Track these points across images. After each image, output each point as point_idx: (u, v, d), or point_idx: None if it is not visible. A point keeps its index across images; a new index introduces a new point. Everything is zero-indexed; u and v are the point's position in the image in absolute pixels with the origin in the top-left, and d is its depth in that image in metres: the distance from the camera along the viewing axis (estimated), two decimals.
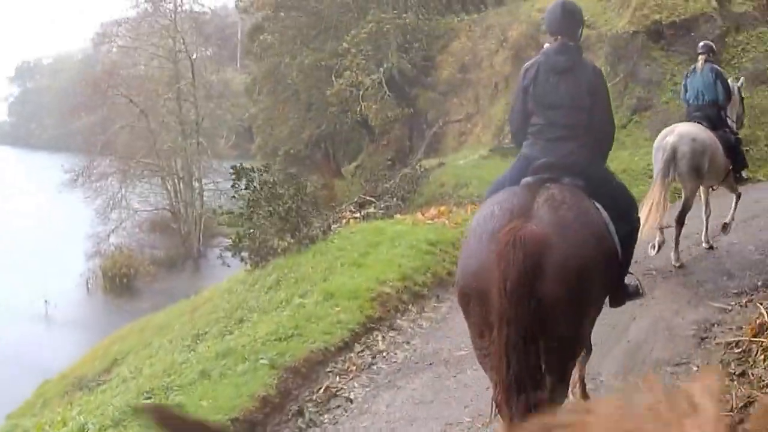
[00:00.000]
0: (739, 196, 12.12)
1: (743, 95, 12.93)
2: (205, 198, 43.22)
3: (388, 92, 30.27)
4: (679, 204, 11.48)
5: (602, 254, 4.98)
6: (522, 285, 4.36)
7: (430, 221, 14.30)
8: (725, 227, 12.07)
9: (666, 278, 11.01)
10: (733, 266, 11.10)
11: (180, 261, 42.02)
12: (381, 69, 30.18)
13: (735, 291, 10.05)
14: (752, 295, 9.79)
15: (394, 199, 17.59)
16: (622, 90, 21.80)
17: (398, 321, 10.53)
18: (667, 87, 21.22)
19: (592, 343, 6.23)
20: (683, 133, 10.86)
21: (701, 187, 11.72)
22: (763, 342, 7.76)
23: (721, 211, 12.24)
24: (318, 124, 34.08)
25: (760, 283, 10.19)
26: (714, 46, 12.65)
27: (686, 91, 11.97)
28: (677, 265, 11.18)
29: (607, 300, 5.75)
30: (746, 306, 9.44)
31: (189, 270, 41.23)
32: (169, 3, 43.93)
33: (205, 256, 40.44)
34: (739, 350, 8.05)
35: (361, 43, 30.05)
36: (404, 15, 30.74)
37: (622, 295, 6.04)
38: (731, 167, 11.60)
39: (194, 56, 44.64)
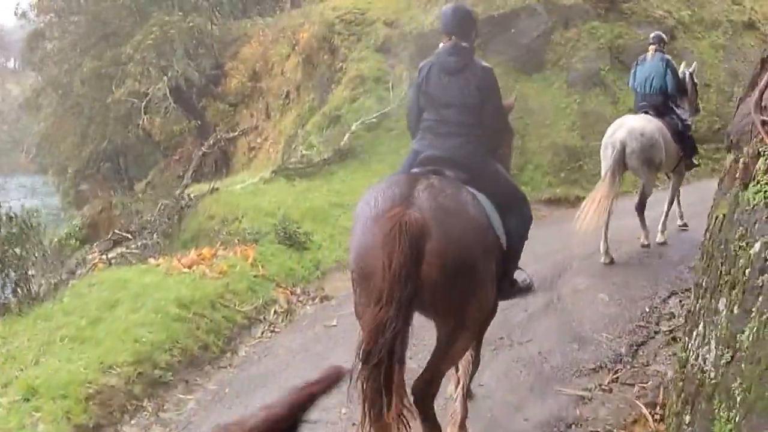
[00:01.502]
0: (678, 193, 12.55)
1: (695, 80, 13.28)
2: None
3: (173, 103, 27.37)
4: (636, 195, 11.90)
5: (481, 244, 5.25)
6: (405, 267, 4.57)
7: (186, 269, 11.10)
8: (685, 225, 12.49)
9: (497, 350, 8.39)
10: (584, 326, 8.91)
11: None
12: (166, 78, 27.07)
13: (591, 366, 7.88)
14: (616, 371, 7.75)
15: (154, 235, 14.07)
16: None
17: (124, 429, 7.62)
18: None
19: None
20: (631, 128, 11.17)
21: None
22: None
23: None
24: (102, 138, 30.98)
25: (623, 350, 8.16)
26: (665, 37, 13.25)
27: (634, 79, 12.43)
28: (646, 243, 11.62)
29: None
30: (610, 391, 7.36)
31: None
32: None
33: None
34: None
35: (145, 49, 26.90)
36: (191, 18, 27.66)
37: (509, 288, 6.18)
38: (682, 154, 12.02)
39: None
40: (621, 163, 11.02)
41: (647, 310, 9.13)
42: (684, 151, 12.03)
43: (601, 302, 9.49)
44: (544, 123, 18.02)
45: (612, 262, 11.05)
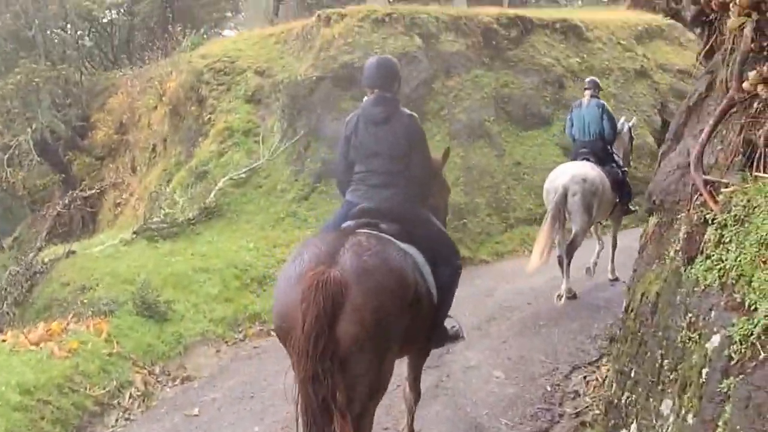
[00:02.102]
0: (615, 246, 12.82)
1: (633, 135, 13.85)
2: None
3: (38, 156, 25.71)
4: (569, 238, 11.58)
5: (401, 299, 5.24)
6: (320, 324, 4.76)
7: (34, 347, 9.76)
8: (588, 271, 12.34)
9: None
10: (479, 410, 7.96)
11: None
12: (30, 129, 25.47)
13: None
14: None
15: (4, 305, 12.73)
16: (303, 151, 17.50)
17: None
18: None
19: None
20: (574, 174, 11.34)
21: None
22: None
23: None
24: None
25: None
26: (599, 82, 13.24)
27: (572, 125, 12.64)
28: (568, 295, 11.45)
29: None
30: None
31: None
32: None
33: None
34: None
35: (7, 97, 25.57)
36: (60, 67, 26.59)
37: (439, 336, 6.34)
38: (618, 200, 12.30)
39: None
40: (562, 207, 11.21)
41: (548, 389, 8.35)
42: (621, 198, 12.34)
43: (496, 382, 8.64)
44: None
45: (575, 297, 11.57)
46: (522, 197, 17.60)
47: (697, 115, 6.36)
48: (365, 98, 6.63)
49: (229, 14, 40.72)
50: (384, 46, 17.76)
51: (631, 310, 5.64)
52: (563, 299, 11.33)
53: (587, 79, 13.20)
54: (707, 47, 6.85)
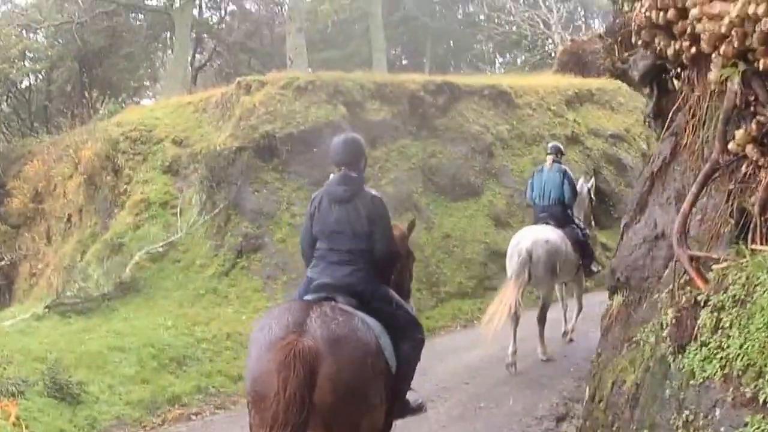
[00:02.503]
0: (580, 309, 13.26)
1: (592, 196, 14.25)
2: None
3: None
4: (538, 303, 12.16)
5: (370, 367, 5.48)
6: (300, 391, 4.93)
7: None
8: (565, 334, 13.11)
9: None
10: None
11: None
12: None
13: None
14: None
15: None
16: (223, 225, 16.59)
17: None
18: (284, 220, 16.31)
19: None
20: (537, 238, 11.68)
21: (556, 286, 12.79)
22: None
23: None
24: None
25: None
26: (562, 148, 13.80)
27: (532, 190, 12.99)
28: (544, 359, 11.86)
29: None
30: None
31: None
32: None
33: None
34: None
35: None
36: None
37: (400, 408, 6.39)
38: (581, 262, 12.60)
39: None
40: (525, 269, 11.39)
41: None
42: (583, 259, 12.62)
43: None
44: None
45: (515, 368, 11.40)
46: (452, 270, 16.94)
47: (662, 182, 6.07)
48: (331, 175, 6.81)
49: (147, 83, 40.55)
50: (307, 115, 17.11)
51: (599, 400, 5.13)
52: (513, 367, 11.40)
53: (549, 145, 13.85)
54: (655, 107, 6.45)
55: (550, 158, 13.00)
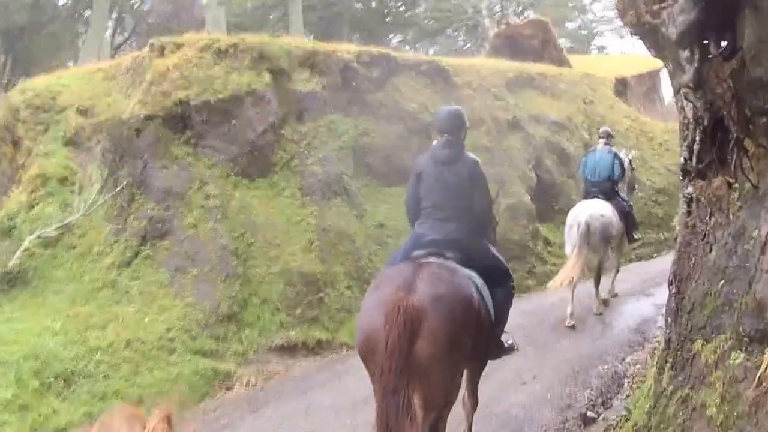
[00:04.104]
0: (617, 271, 15.20)
1: (633, 166, 15.87)
2: None
3: None
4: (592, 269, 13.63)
5: (468, 321, 6.11)
6: (400, 343, 5.50)
7: None
8: (606, 302, 14.31)
9: None
10: None
11: None
12: None
13: None
14: None
15: None
16: (126, 206, 14.14)
17: None
18: (195, 202, 13.97)
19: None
20: (593, 211, 13.27)
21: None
22: None
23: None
24: None
25: None
26: (611, 132, 15.42)
27: (585, 167, 14.68)
28: (599, 313, 13.62)
29: None
30: None
31: None
32: None
33: None
34: None
35: None
36: None
37: (497, 350, 7.35)
38: (624, 230, 14.28)
39: None
40: (586, 240, 12.88)
41: None
42: (627, 227, 14.37)
43: None
44: (272, 242, 13.90)
45: (574, 327, 12.81)
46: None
47: None
48: (434, 142, 7.81)
49: (70, 64, 39.08)
50: (227, 82, 14.92)
51: None
52: (572, 323, 12.89)
53: (601, 129, 15.56)
54: (696, 75, 4.98)
55: (601, 141, 14.84)
